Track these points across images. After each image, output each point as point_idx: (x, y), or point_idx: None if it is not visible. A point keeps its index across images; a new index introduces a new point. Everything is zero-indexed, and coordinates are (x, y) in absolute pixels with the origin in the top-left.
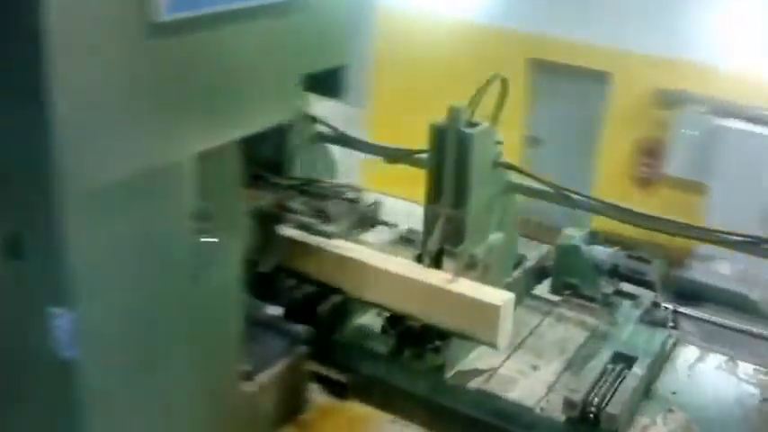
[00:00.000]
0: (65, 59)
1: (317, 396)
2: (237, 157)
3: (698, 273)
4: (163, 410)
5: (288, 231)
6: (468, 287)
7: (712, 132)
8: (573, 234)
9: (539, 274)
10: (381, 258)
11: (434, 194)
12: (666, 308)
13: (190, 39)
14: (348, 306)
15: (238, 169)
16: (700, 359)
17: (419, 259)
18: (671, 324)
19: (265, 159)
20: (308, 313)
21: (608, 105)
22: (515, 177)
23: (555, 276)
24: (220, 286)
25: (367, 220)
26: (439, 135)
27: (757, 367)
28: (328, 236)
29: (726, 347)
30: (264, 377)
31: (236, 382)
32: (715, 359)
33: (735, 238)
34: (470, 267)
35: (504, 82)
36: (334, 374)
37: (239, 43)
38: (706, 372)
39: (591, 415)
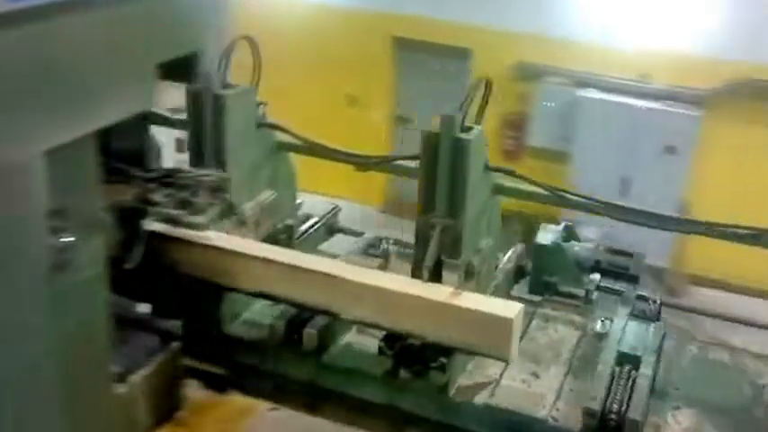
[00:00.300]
0: None
1: (196, 391)
2: (93, 151)
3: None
4: (33, 414)
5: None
6: (475, 300)
7: (572, 103)
8: (550, 231)
9: (516, 274)
10: (374, 275)
11: (427, 205)
12: (655, 301)
13: (33, 30)
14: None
15: (95, 164)
16: (689, 350)
17: (415, 273)
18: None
19: (125, 152)
20: (185, 309)
21: (471, 81)
22: (503, 179)
23: (534, 276)
24: (82, 286)
25: (231, 209)
26: (432, 142)
27: (746, 348)
28: (196, 227)
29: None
30: (137, 377)
31: (107, 384)
32: (704, 349)
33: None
34: (469, 277)
35: (489, 84)
36: (211, 368)
37: (84, 33)
38: (702, 363)
39: (611, 422)
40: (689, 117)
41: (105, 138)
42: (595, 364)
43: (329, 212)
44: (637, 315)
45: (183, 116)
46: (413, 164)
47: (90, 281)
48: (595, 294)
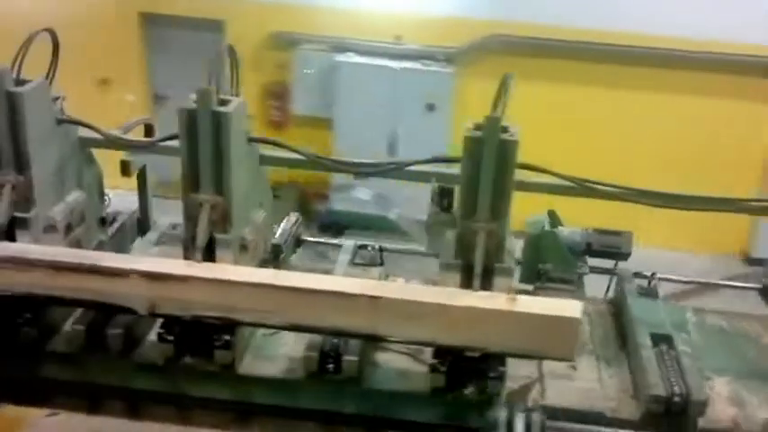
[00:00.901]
0: None
1: None
2: None
3: (339, 203)
4: None
5: None
6: (534, 304)
7: (331, 68)
8: (539, 220)
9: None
10: (420, 290)
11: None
12: (653, 275)
13: None
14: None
15: None
16: (689, 319)
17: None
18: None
19: None
20: None
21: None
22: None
23: (525, 265)
24: None
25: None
26: (476, 146)
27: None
28: None
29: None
30: None
31: None
32: (700, 316)
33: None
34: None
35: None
36: None
37: None
38: (706, 331)
39: (677, 406)
40: (444, 75)
41: None
42: (625, 348)
43: (295, 223)
44: (642, 293)
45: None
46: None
47: None
48: (585, 277)
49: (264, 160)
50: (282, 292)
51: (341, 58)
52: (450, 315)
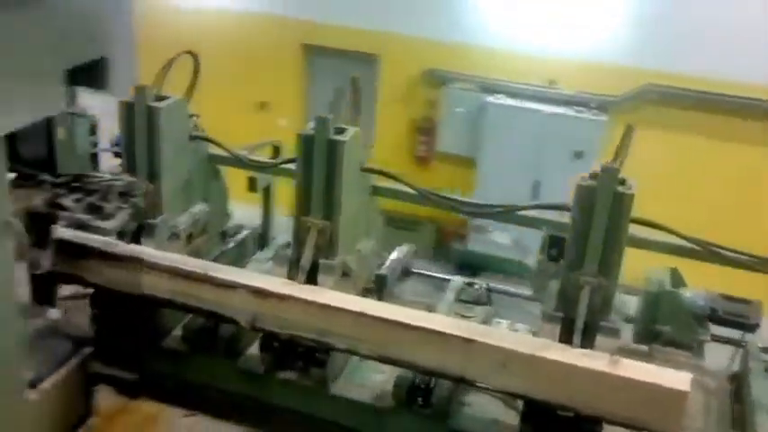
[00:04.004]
0: None
1: (108, 397)
2: (2, 155)
3: (476, 244)
4: None
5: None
6: (641, 371)
7: (479, 108)
8: (659, 277)
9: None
10: (516, 338)
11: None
12: None
13: None
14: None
15: (3, 169)
16: None
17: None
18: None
19: (34, 158)
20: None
21: (379, 86)
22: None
23: (641, 324)
24: None
25: (143, 214)
26: (588, 196)
27: None
28: (109, 233)
29: None
30: (48, 384)
31: (19, 390)
32: None
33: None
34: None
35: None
36: (122, 374)
37: None
38: None
39: None
40: (596, 123)
41: (14, 143)
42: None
43: (406, 254)
44: None
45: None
46: None
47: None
48: (706, 345)
49: (376, 191)
50: (374, 322)
51: (491, 98)
52: (542, 368)
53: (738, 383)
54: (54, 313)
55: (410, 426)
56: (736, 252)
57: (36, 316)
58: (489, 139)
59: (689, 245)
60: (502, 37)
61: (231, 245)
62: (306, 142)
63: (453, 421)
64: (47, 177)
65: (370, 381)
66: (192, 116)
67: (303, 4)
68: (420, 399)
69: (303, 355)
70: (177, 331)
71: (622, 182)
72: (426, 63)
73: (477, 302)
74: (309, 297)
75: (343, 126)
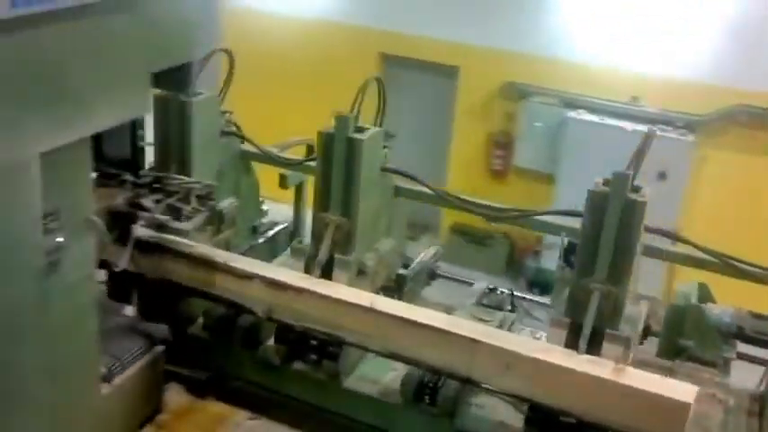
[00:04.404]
0: None
1: (177, 395)
2: (87, 155)
3: (549, 261)
4: (17, 416)
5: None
6: (644, 380)
7: (559, 124)
8: (688, 291)
9: (643, 333)
10: (524, 343)
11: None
12: None
13: (32, 36)
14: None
15: (88, 167)
16: None
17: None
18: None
19: (117, 157)
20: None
21: (457, 98)
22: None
23: (666, 338)
24: (72, 286)
25: (219, 217)
26: (600, 203)
27: None
28: (184, 234)
29: None
30: (121, 379)
31: (93, 384)
32: None
33: None
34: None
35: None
36: (192, 373)
37: (81, 41)
38: None
39: None
40: (682, 142)
41: (98, 143)
42: None
43: (432, 256)
44: None
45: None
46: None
47: (79, 282)
48: (733, 363)
49: (398, 192)
50: (384, 318)
51: (571, 113)
52: (546, 372)
53: (762, 403)
54: (129, 310)
55: (417, 423)
56: (753, 266)
57: (112, 312)
58: (568, 155)
59: (706, 257)
60: (585, 51)
61: (261, 240)
62: (326, 140)
63: (459, 421)
64: (129, 177)
65: (383, 377)
66: (225, 113)
67: (383, 13)
68: (427, 397)
69: (316, 348)
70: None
71: (636, 189)
72: (506, 76)
73: (499, 308)
74: (322, 291)
75: (364, 126)
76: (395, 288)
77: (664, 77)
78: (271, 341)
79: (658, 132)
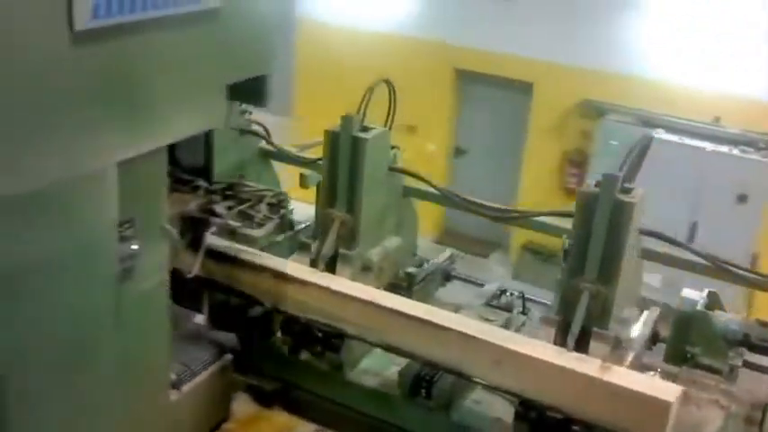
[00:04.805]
0: None
1: (244, 404)
2: (163, 164)
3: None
4: (88, 419)
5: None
6: (629, 378)
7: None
8: (694, 298)
9: (650, 340)
10: (514, 338)
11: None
12: None
13: (111, 47)
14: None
15: (164, 176)
16: None
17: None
18: None
19: (191, 164)
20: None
21: (531, 115)
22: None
23: (672, 344)
24: (146, 293)
25: (289, 224)
26: (589, 203)
27: None
28: (254, 240)
29: None
30: (190, 386)
31: (162, 390)
32: None
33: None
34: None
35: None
36: (259, 383)
37: (161, 52)
38: None
39: None
40: (764, 164)
41: (172, 149)
42: None
43: (447, 258)
44: None
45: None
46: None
47: (153, 289)
48: (739, 371)
49: (407, 192)
50: (381, 311)
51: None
52: (534, 368)
53: (764, 412)
54: (200, 318)
55: (414, 415)
56: (746, 270)
57: (183, 319)
58: (645, 175)
59: (699, 260)
60: (664, 69)
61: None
62: (332, 139)
63: (455, 415)
64: (202, 183)
65: (386, 371)
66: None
67: (458, 28)
68: (424, 391)
69: (320, 339)
70: None
71: (627, 190)
72: (582, 93)
73: (507, 309)
74: (324, 283)
75: (370, 125)
76: (404, 286)
77: (746, 98)
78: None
79: (738, 153)
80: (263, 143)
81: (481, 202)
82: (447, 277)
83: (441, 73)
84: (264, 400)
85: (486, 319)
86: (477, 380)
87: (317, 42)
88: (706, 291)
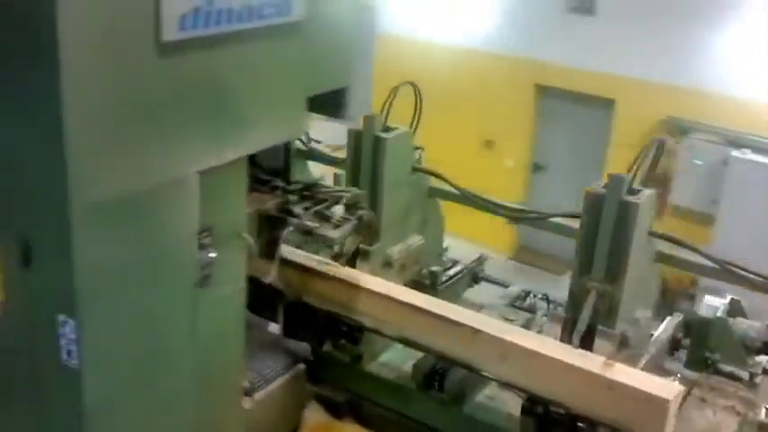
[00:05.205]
0: (78, 77)
1: (316, 414)
2: (244, 173)
3: (705, 307)
4: (163, 422)
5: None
6: (629, 375)
7: (722, 163)
8: (715, 304)
9: (671, 346)
10: (521, 334)
11: (585, 266)
12: None
13: (197, 58)
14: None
15: (244, 185)
16: None
17: (564, 337)
18: None
19: (269, 164)
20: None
21: (612, 132)
22: (665, 247)
23: (693, 350)
24: (222, 301)
25: (368, 227)
26: (596, 203)
27: None
28: (330, 241)
29: None
30: (262, 394)
31: (236, 397)
32: None
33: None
34: (622, 348)
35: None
36: (330, 394)
37: (245, 63)
38: None
39: None
40: None
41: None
42: None
43: (475, 260)
44: None
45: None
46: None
47: (229, 296)
48: (759, 378)
49: (432, 192)
50: (396, 305)
51: (736, 153)
52: (539, 364)
53: None
54: (274, 327)
55: (428, 408)
56: (755, 274)
57: (257, 328)
58: (731, 196)
59: (708, 263)
60: (751, 87)
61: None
62: (355, 138)
63: (468, 408)
64: (280, 183)
65: (404, 365)
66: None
67: (539, 44)
68: (437, 383)
69: (342, 332)
70: None
71: (634, 192)
72: (665, 110)
73: (530, 311)
74: (343, 276)
75: (392, 126)
76: (428, 284)
77: None
78: None
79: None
80: (298, 143)
81: (501, 202)
82: (475, 279)
83: (521, 88)
84: (336, 411)
85: (507, 319)
86: (486, 374)
87: (394, 56)
88: (729, 298)
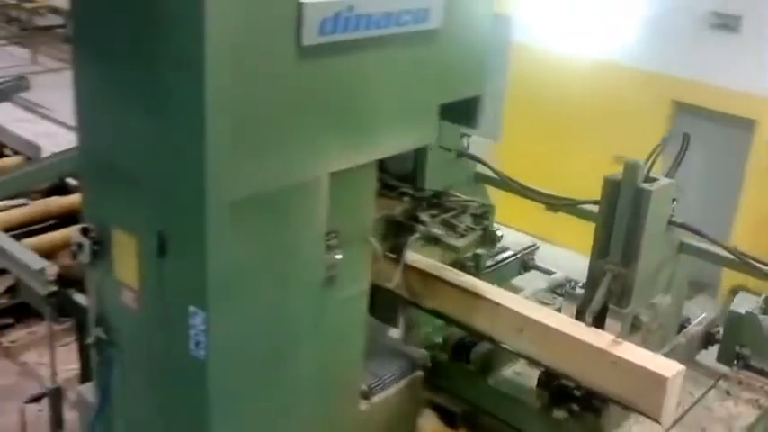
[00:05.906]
0: (222, 79)
1: (430, 421)
2: (373, 177)
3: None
4: (283, 418)
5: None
6: (635, 353)
7: None
8: (747, 300)
9: (704, 340)
10: (537, 309)
11: (602, 250)
12: None
13: (335, 62)
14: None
15: (372, 189)
16: None
17: (579, 315)
18: None
19: (400, 170)
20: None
21: (751, 153)
22: (688, 238)
23: (724, 345)
24: (345, 302)
25: (491, 237)
26: (613, 189)
27: None
28: (455, 249)
29: None
30: (379, 398)
31: (354, 399)
32: None
33: None
34: (634, 330)
35: (686, 137)
36: (447, 402)
37: (381, 69)
38: None
39: None
40: None
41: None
42: None
43: (525, 249)
44: None
45: None
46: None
47: (352, 298)
48: None
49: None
50: (427, 278)
51: None
52: (552, 338)
53: None
54: (394, 332)
55: (456, 376)
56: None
57: (377, 331)
58: None
59: (725, 253)
60: None
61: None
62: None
63: (493, 380)
64: (409, 191)
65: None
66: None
67: (678, 60)
68: (465, 355)
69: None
70: None
71: (651, 180)
72: None
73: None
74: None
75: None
76: (472, 265)
77: None
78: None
79: None
80: (479, 167)
81: (534, 188)
82: (525, 267)
83: (656, 104)
84: (450, 420)
85: (543, 302)
86: (504, 345)
87: (524, 66)
88: (764, 295)
